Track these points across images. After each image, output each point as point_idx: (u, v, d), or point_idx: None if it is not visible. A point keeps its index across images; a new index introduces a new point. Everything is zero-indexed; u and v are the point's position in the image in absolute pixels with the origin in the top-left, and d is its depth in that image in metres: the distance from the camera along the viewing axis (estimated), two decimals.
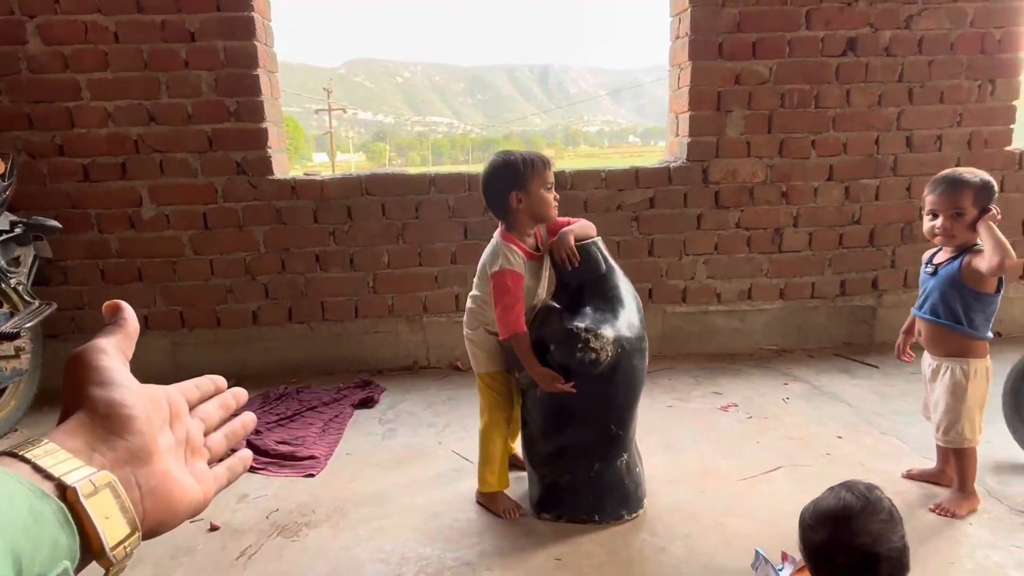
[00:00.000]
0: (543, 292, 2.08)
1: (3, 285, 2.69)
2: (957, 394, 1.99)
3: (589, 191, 3.45)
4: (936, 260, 2.06)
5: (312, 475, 2.41)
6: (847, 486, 1.32)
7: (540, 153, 2.05)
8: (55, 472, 0.37)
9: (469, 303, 2.12)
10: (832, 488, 1.34)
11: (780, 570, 1.67)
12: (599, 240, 2.07)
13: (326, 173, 3.63)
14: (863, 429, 2.64)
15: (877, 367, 3.31)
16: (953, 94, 3.45)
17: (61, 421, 0.42)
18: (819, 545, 1.27)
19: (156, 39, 3.14)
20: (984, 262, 1.87)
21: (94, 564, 0.39)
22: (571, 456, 2.03)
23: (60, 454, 0.39)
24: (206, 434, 0.52)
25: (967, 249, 1.96)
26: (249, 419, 0.58)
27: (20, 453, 0.38)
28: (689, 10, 3.30)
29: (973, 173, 1.96)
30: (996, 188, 1.95)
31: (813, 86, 3.39)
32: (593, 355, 1.85)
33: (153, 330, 3.39)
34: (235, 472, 0.53)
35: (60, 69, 3.14)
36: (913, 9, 3.35)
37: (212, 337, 3.44)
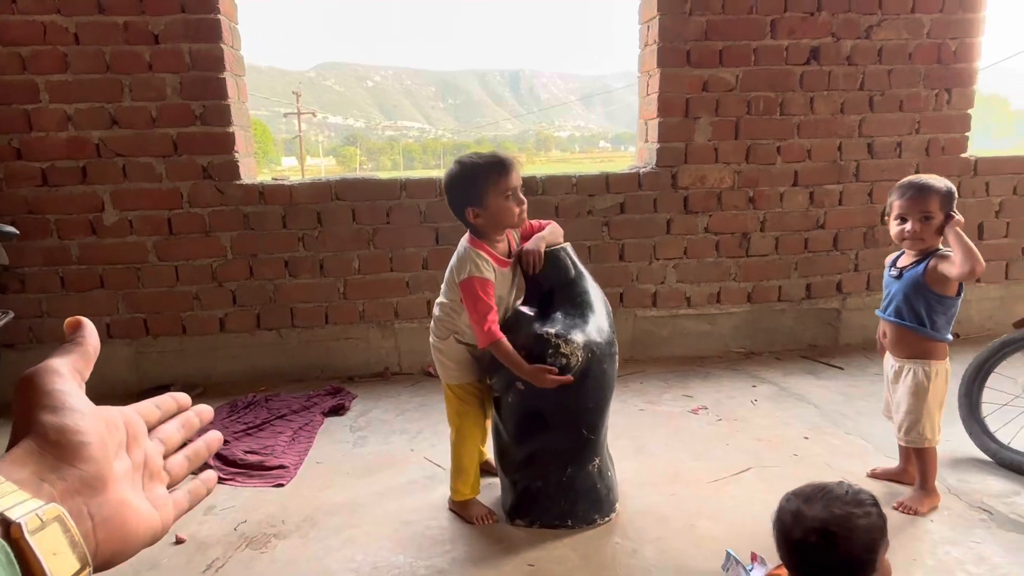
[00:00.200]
0: (513, 298, 2.07)
1: None
2: (919, 395, 2.05)
3: (560, 196, 3.47)
4: (900, 264, 2.11)
5: (281, 485, 2.37)
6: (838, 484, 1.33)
7: (500, 157, 1.91)
8: None
9: (436, 311, 2.08)
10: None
11: (750, 570, 1.69)
12: (568, 246, 2.08)
13: (295, 178, 3.59)
14: (829, 430, 2.69)
15: (842, 368, 3.39)
16: (912, 102, 3.55)
17: (10, 447, 0.40)
18: (785, 518, 1.27)
19: (118, 41, 3.07)
20: (955, 268, 1.92)
21: None
22: (543, 462, 2.03)
23: (5, 486, 0.36)
24: (167, 456, 0.50)
25: (930, 253, 2.02)
26: (214, 439, 0.55)
27: None
28: (657, 18, 3.34)
29: (938, 179, 2.02)
30: (957, 194, 2.02)
31: (778, 93, 3.46)
32: (563, 360, 1.86)
33: (116, 338, 3.31)
34: (197, 496, 0.51)
35: (18, 71, 3.05)
36: (873, 20, 3.44)
37: (177, 345, 3.36)
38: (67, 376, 0.43)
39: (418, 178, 3.43)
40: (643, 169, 3.53)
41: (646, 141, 3.64)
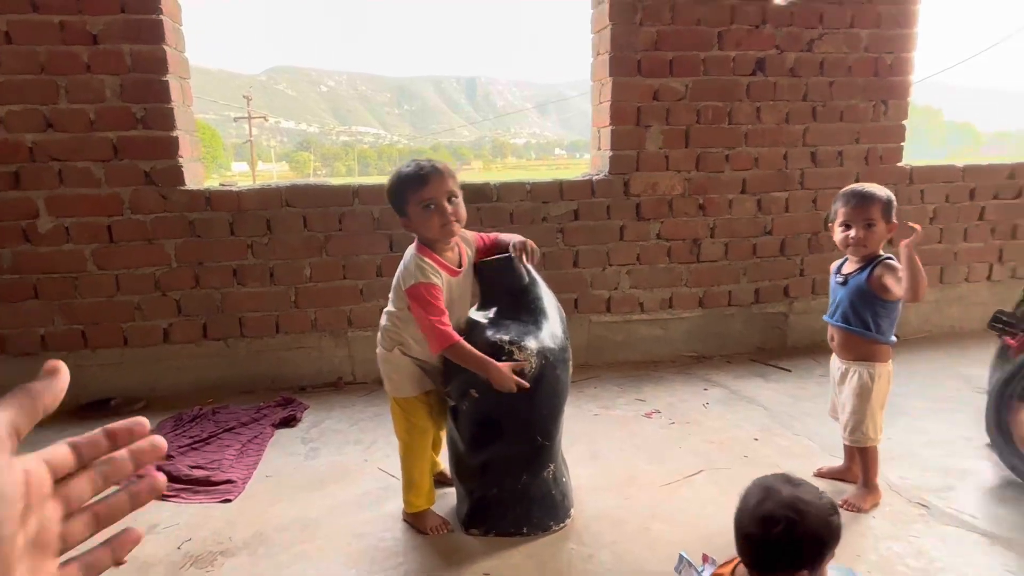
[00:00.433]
0: (465, 309, 2.06)
1: None
2: (863, 396, 2.11)
3: (515, 203, 3.48)
4: (845, 270, 2.18)
5: (229, 500, 2.30)
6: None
7: (419, 167, 1.88)
8: None
9: (383, 320, 2.05)
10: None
11: (701, 571, 1.71)
12: None
13: (244, 184, 3.50)
14: (777, 431, 2.76)
15: (790, 371, 3.48)
16: (852, 113, 3.69)
17: None
18: (756, 491, 1.29)
19: (54, 41, 2.95)
20: (899, 290, 1.97)
21: None
22: (498, 469, 2.02)
23: None
24: (72, 515, 0.41)
25: (874, 259, 2.09)
26: (147, 487, 0.45)
27: None
28: (609, 27, 3.39)
29: (879, 188, 2.10)
30: (896, 203, 2.10)
31: (726, 103, 3.55)
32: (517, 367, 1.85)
33: (52, 351, 3.16)
34: (96, 568, 0.42)
35: None
36: (814, 33, 3.57)
37: (118, 357, 3.23)
38: None
39: (371, 184, 3.38)
40: (596, 176, 3.57)
41: (599, 149, 3.68)
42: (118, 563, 0.43)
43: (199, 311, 3.27)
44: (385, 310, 2.05)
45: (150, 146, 3.10)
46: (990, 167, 3.94)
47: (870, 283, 2.07)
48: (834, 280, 2.23)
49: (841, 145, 3.71)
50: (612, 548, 1.96)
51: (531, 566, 1.89)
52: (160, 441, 0.45)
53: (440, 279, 1.90)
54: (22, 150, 3.00)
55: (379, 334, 2.06)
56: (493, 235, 2.15)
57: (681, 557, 1.74)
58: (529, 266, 2.08)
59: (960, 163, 3.93)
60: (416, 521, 2.09)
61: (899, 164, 3.80)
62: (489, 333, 1.91)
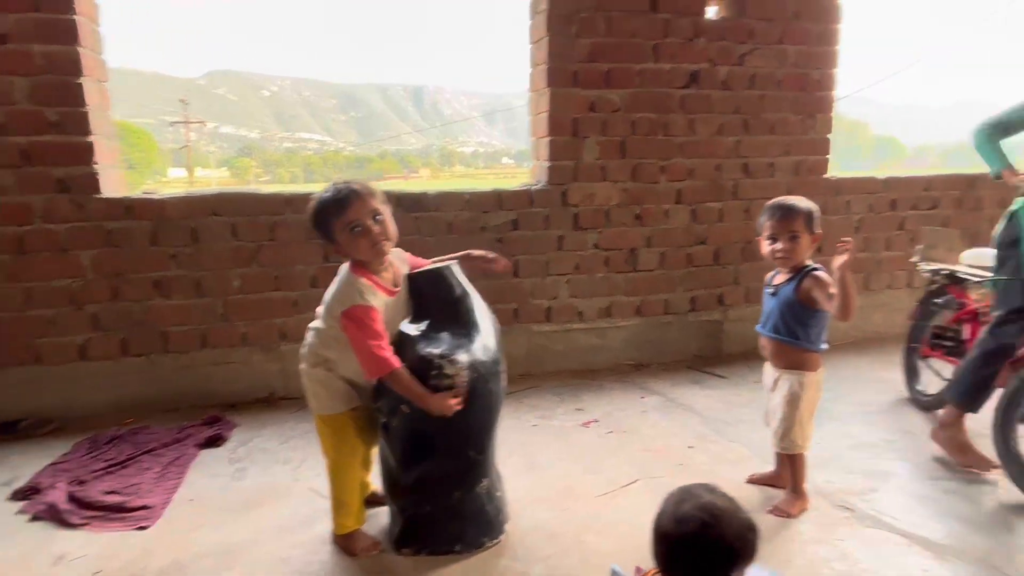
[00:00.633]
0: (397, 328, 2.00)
1: None
2: (793, 404, 2.15)
3: (454, 213, 3.44)
4: (775, 282, 2.23)
5: (145, 527, 2.17)
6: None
7: (336, 191, 1.82)
8: None
9: (309, 337, 1.98)
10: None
11: None
12: (454, 264, 2.05)
13: (169, 191, 3.35)
14: (712, 438, 2.80)
15: (725, 377, 3.55)
16: (781, 126, 3.81)
17: None
18: (674, 495, 1.29)
19: None
20: (829, 307, 2.00)
21: None
22: (431, 486, 1.97)
23: None
24: None
25: (801, 270, 2.13)
26: None
27: None
28: (546, 39, 3.40)
29: (802, 200, 2.15)
30: (818, 214, 2.15)
31: (661, 115, 3.61)
32: (448, 381, 1.81)
33: None
34: None
35: None
36: (745, 48, 3.67)
37: (29, 375, 3.03)
38: None
39: (304, 193, 3.28)
40: (535, 187, 3.57)
41: (538, 159, 3.69)
42: None
43: (118, 326, 3.10)
44: (312, 326, 1.99)
45: (64, 152, 2.93)
46: (909, 179, 4.13)
47: (798, 294, 2.11)
48: (766, 291, 2.27)
49: (772, 157, 3.82)
50: (546, 563, 1.94)
51: None
52: None
53: (378, 300, 1.85)
54: None
55: (304, 351, 1.99)
56: (428, 261, 2.10)
57: (614, 571, 1.73)
58: (462, 277, 2.05)
59: (881, 175, 4.12)
60: (345, 543, 2.02)
61: (826, 176, 3.94)
62: (420, 347, 1.87)
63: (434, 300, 1.99)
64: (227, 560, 1.98)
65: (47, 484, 2.40)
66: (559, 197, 3.56)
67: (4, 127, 2.86)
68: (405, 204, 3.36)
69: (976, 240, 4.23)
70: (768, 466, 2.44)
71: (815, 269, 2.11)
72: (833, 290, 1.98)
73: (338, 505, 2.02)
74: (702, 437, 2.80)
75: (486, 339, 1.99)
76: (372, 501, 2.21)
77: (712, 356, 3.90)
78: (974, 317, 2.80)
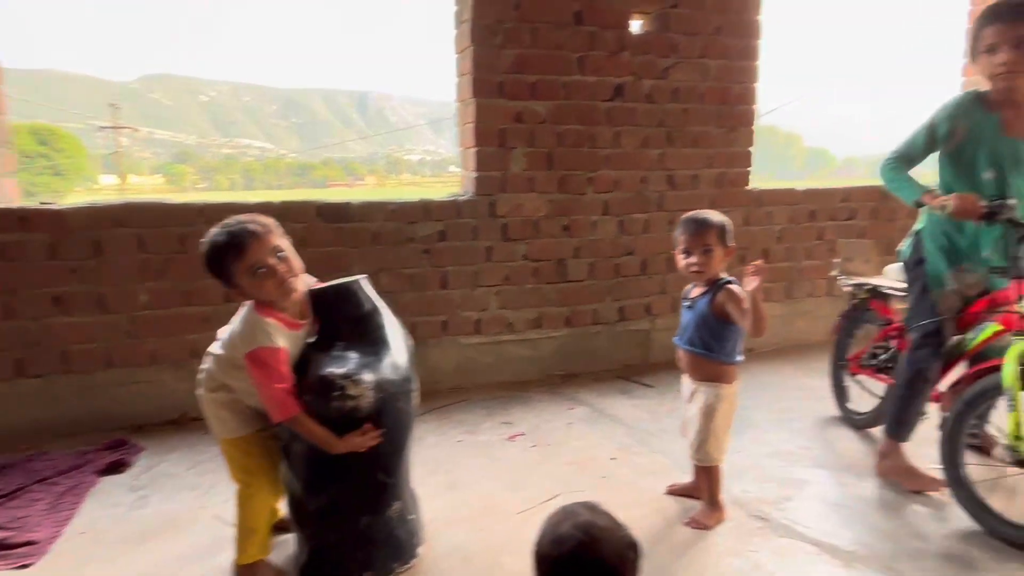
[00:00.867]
0: None
1: None
2: (708, 416, 2.16)
3: (378, 223, 3.36)
4: (692, 295, 2.24)
5: (27, 565, 2.00)
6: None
7: (236, 231, 1.71)
8: None
9: (207, 363, 1.89)
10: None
11: None
12: (363, 279, 1.98)
13: (70, 201, 3.15)
14: (636, 449, 2.80)
15: (652, 386, 3.57)
16: (704, 139, 3.89)
17: None
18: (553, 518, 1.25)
19: None
20: (740, 317, 2.02)
21: None
22: (338, 512, 1.88)
23: None
24: None
25: (716, 283, 2.15)
26: None
27: None
28: (471, 49, 3.37)
29: (715, 214, 2.17)
30: (731, 227, 2.17)
31: (587, 127, 3.63)
32: (352, 403, 1.74)
33: None
34: None
35: None
36: (668, 62, 3.73)
37: None
38: None
39: (218, 203, 3.15)
40: (462, 197, 3.53)
41: (466, 170, 3.64)
42: None
43: (12, 345, 2.89)
44: (212, 351, 1.88)
45: None
46: (827, 191, 4.28)
47: (712, 308, 2.12)
48: (684, 304, 2.28)
49: (695, 169, 3.89)
50: None
51: None
52: None
53: (284, 338, 1.77)
54: None
55: (202, 376, 1.89)
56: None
57: None
58: (371, 292, 1.98)
59: (801, 187, 4.24)
60: (248, 574, 1.91)
61: (747, 187, 4.04)
62: (322, 366, 1.78)
63: (341, 317, 1.91)
64: None
65: None
66: (487, 208, 3.53)
67: None
68: (327, 215, 3.27)
69: (891, 249, 4.42)
70: (688, 477, 2.45)
71: (729, 282, 2.13)
72: (746, 305, 2.00)
73: (244, 533, 1.92)
74: (626, 448, 2.80)
75: (396, 357, 1.92)
76: (280, 528, 2.11)
77: (640, 365, 3.92)
78: (902, 333, 2.70)
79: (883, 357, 2.82)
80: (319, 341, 1.91)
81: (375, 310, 1.96)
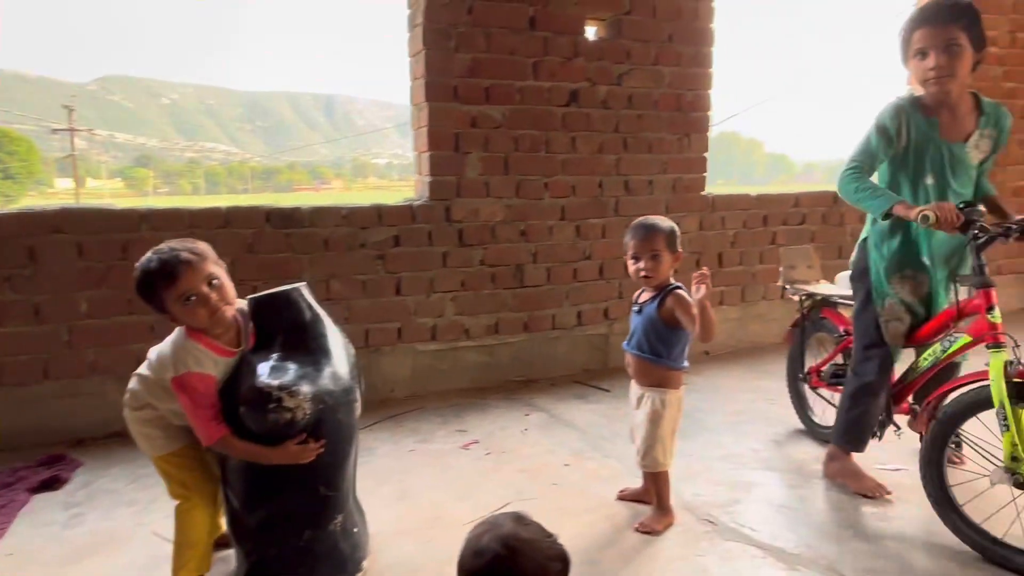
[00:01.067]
0: None
1: None
2: (655, 422, 2.16)
3: (330, 229, 3.31)
4: (641, 300, 2.24)
5: None
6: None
7: (168, 259, 1.67)
8: None
9: (134, 383, 1.83)
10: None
11: None
12: (303, 286, 1.93)
13: (15, 206, 3.03)
14: (589, 455, 2.79)
15: (608, 391, 3.58)
16: (659, 145, 3.92)
17: None
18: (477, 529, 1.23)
19: None
20: (688, 323, 2.03)
21: None
22: (278, 526, 1.83)
23: None
24: None
25: (664, 288, 2.15)
26: None
27: None
28: (423, 52, 3.34)
29: (663, 220, 2.17)
30: (679, 232, 2.17)
31: (543, 132, 3.63)
32: (288, 415, 1.69)
33: None
34: None
35: None
36: (623, 68, 3.76)
37: None
38: None
39: (163, 209, 3.07)
40: (417, 202, 3.49)
41: (420, 174, 3.61)
42: None
43: None
44: (137, 373, 1.84)
45: None
46: (779, 196, 4.35)
47: (660, 313, 2.13)
48: (633, 308, 2.28)
49: (651, 175, 3.92)
50: None
51: None
52: None
53: (214, 365, 1.74)
54: None
55: (126, 397, 1.85)
56: None
57: None
58: (311, 300, 1.94)
59: (754, 192, 4.31)
60: None
61: (702, 193, 4.08)
62: (258, 378, 1.73)
63: (279, 326, 1.86)
64: None
65: None
66: (442, 213, 3.50)
67: None
68: (276, 220, 3.20)
69: (841, 254, 4.52)
70: (640, 482, 2.46)
71: (677, 288, 2.13)
72: (695, 311, 2.01)
73: (182, 548, 1.87)
74: (579, 454, 2.80)
75: (337, 367, 1.88)
76: (221, 543, 2.05)
77: (599, 369, 3.93)
78: None
79: (843, 374, 2.69)
80: (257, 351, 1.86)
81: (316, 319, 1.92)
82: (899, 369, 2.41)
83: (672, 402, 2.17)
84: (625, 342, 2.29)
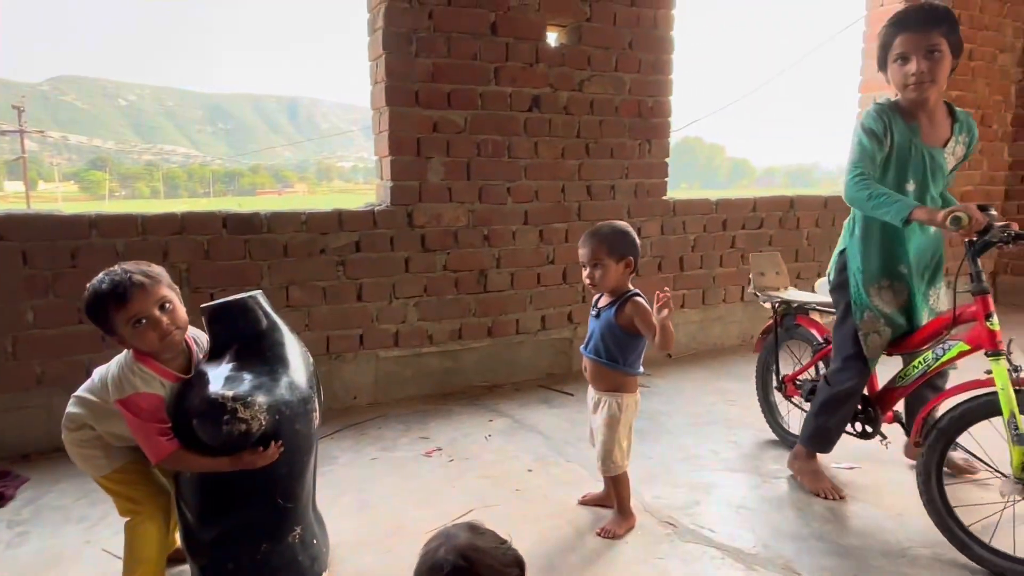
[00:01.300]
0: None
1: None
2: (612, 426, 2.18)
3: (289, 235, 3.25)
4: (600, 304, 2.25)
5: None
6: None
7: (120, 281, 1.63)
8: None
9: (74, 406, 1.78)
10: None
11: None
12: (259, 293, 1.90)
13: None
14: (552, 459, 2.80)
15: (572, 395, 3.60)
16: (620, 151, 3.96)
17: None
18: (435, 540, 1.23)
19: None
20: (645, 330, 2.05)
21: None
22: (234, 540, 1.78)
23: None
24: None
25: (622, 295, 2.17)
26: None
27: None
28: (384, 56, 3.32)
29: (609, 227, 2.17)
30: (631, 236, 2.16)
31: (505, 137, 3.63)
32: (243, 426, 1.65)
33: None
34: None
35: None
36: (584, 75, 3.78)
37: None
38: None
39: (113, 214, 2.97)
40: (378, 207, 3.46)
41: (382, 179, 3.58)
42: None
43: None
44: (77, 395, 1.79)
45: None
46: (738, 201, 4.43)
47: (618, 320, 2.14)
48: (591, 312, 2.30)
49: (612, 180, 3.96)
50: None
51: None
52: None
53: (161, 388, 1.70)
54: None
55: (64, 420, 1.78)
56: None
57: None
58: (268, 308, 1.90)
59: (713, 197, 4.38)
60: None
61: (664, 198, 4.14)
62: (211, 388, 1.69)
63: (235, 335, 1.82)
64: None
65: None
66: (404, 218, 3.47)
67: None
68: (233, 226, 3.13)
69: (798, 257, 4.63)
70: (602, 486, 2.47)
71: (636, 295, 2.14)
72: (652, 319, 2.02)
73: (132, 564, 1.81)
74: (542, 459, 2.80)
75: (295, 376, 1.85)
76: (174, 559, 1.99)
77: (563, 374, 3.95)
78: None
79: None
80: (211, 361, 1.82)
81: (273, 327, 1.88)
82: (885, 377, 2.41)
83: (628, 406, 2.19)
84: (583, 346, 2.30)
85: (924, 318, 2.30)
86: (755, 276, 3.00)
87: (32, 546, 2.18)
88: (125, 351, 1.74)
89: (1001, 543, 1.96)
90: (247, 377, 1.75)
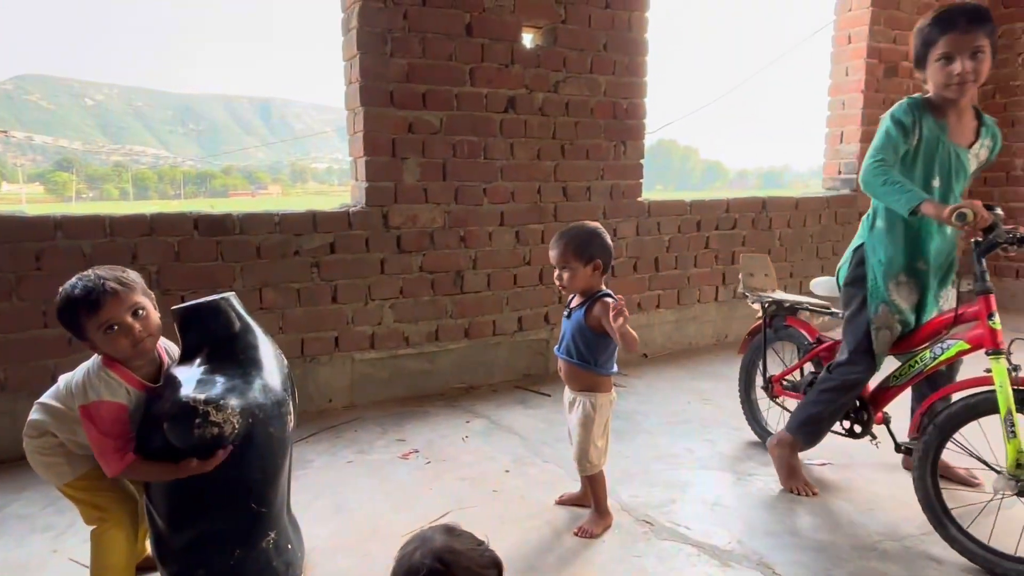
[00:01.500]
0: None
1: None
2: (587, 425, 2.18)
3: (263, 236, 3.21)
4: (572, 305, 2.26)
5: None
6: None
7: (93, 287, 1.62)
8: None
9: (35, 413, 1.73)
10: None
11: None
12: (232, 295, 1.87)
13: None
14: (529, 460, 2.80)
15: (549, 395, 3.60)
16: (596, 152, 3.98)
17: None
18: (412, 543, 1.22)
19: None
20: (616, 337, 2.04)
21: None
22: (206, 546, 1.76)
23: None
24: None
25: (594, 295, 2.18)
26: None
27: None
28: (358, 56, 3.29)
29: (576, 229, 2.18)
30: (600, 237, 2.16)
31: (481, 138, 3.63)
32: (215, 430, 1.63)
33: None
34: None
35: None
36: (560, 76, 3.80)
37: None
38: None
39: (78, 216, 2.91)
40: (353, 208, 3.43)
41: (356, 180, 3.55)
42: None
43: None
44: (41, 403, 1.74)
45: None
46: (712, 202, 4.49)
47: (587, 320, 2.15)
48: (564, 313, 2.30)
49: (588, 181, 3.98)
50: None
51: None
52: None
53: (127, 396, 1.67)
54: None
55: (26, 429, 1.74)
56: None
57: None
58: (241, 310, 1.87)
59: (688, 198, 4.43)
60: None
61: (639, 199, 4.17)
62: (182, 392, 1.66)
63: (207, 337, 1.79)
64: None
65: None
66: (380, 219, 3.45)
67: None
68: (205, 227, 3.09)
69: (770, 257, 4.68)
70: (580, 486, 2.47)
71: (605, 296, 2.15)
72: (616, 326, 2.02)
73: (99, 573, 1.78)
74: (520, 460, 2.80)
75: (269, 378, 1.82)
76: (144, 567, 1.95)
77: (540, 374, 3.95)
78: (832, 351, 2.55)
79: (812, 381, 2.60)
80: (183, 363, 1.78)
81: (246, 329, 1.85)
82: (878, 377, 2.41)
83: (602, 405, 2.20)
84: (556, 346, 2.31)
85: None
86: (745, 277, 3.01)
87: None
88: (94, 357, 1.71)
89: (978, 532, 2.01)
90: (219, 380, 1.72)
